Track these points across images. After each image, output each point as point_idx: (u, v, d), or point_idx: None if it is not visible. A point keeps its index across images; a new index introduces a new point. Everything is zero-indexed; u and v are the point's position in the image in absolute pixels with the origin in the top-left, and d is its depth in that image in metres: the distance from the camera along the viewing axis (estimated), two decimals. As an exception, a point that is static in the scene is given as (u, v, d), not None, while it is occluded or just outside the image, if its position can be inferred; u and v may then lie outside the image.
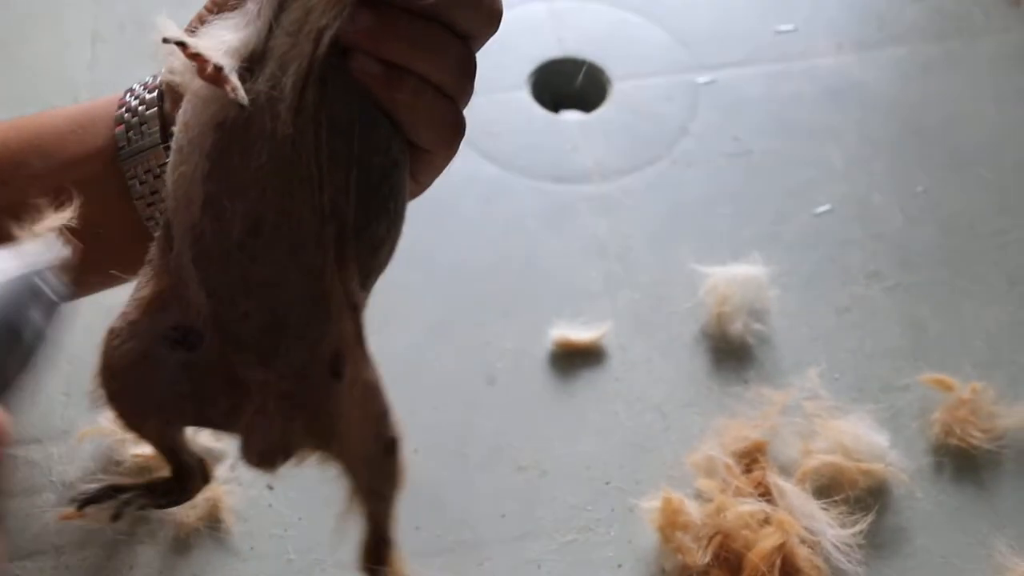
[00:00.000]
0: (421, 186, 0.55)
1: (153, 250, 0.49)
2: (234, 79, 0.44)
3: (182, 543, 0.65)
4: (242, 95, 0.44)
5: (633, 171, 0.85)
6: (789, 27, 0.95)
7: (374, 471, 0.49)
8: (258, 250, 0.46)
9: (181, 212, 0.47)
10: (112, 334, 0.48)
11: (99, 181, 0.57)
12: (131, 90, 0.58)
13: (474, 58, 0.51)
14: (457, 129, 0.51)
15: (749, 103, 0.90)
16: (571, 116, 0.89)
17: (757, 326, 0.76)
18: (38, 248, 0.43)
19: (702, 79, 0.91)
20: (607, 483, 0.70)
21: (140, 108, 0.57)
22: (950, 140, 0.88)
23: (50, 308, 0.43)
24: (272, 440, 0.49)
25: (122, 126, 0.57)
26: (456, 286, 0.78)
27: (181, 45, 0.44)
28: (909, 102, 0.90)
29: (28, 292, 0.42)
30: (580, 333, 0.75)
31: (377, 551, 0.50)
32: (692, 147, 0.87)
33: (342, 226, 0.46)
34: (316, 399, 0.48)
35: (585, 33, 0.93)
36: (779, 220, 0.83)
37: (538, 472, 0.70)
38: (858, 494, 0.69)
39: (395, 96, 0.48)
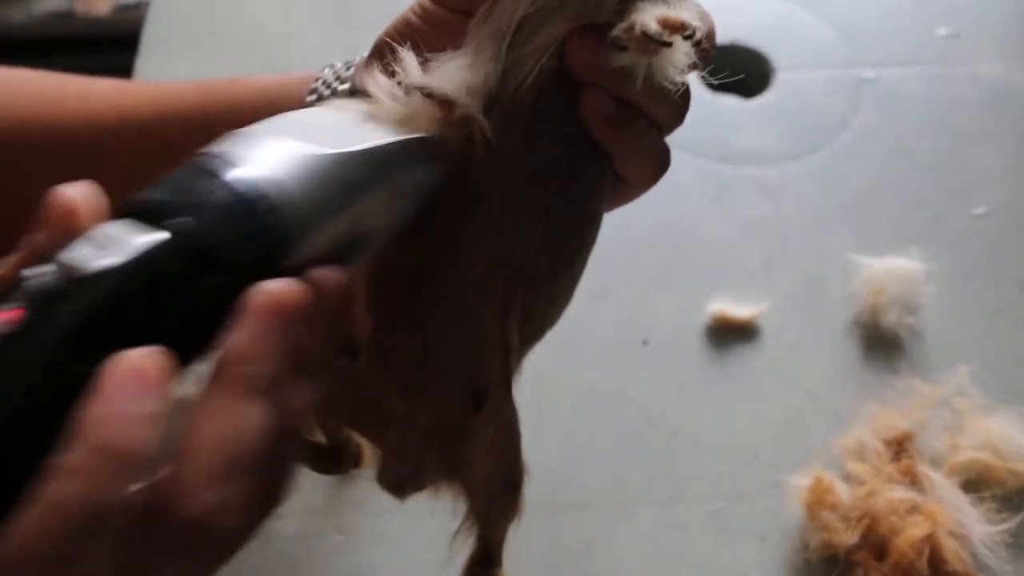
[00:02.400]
0: (611, 209, 0.52)
1: None
2: (482, 120, 0.41)
3: (350, 470, 0.64)
4: (489, 135, 0.41)
5: (794, 158, 0.82)
6: (952, 31, 0.90)
7: (494, 504, 0.47)
8: (424, 288, 0.43)
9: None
10: None
11: None
12: (322, 77, 0.54)
13: (691, 96, 0.46)
14: (665, 167, 0.48)
15: (910, 103, 0.86)
16: (733, 100, 0.86)
17: (910, 319, 0.73)
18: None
19: (864, 75, 0.87)
20: (755, 456, 0.67)
21: (330, 100, 0.54)
22: (1110, 156, 0.83)
23: (429, 174, 0.41)
24: (404, 474, 0.48)
25: None
26: (618, 253, 0.76)
27: (429, 95, 0.41)
28: (1071, 115, 0.85)
29: (415, 152, 0.40)
30: (738, 310, 0.72)
31: (482, 570, 0.48)
32: (853, 140, 0.83)
33: (516, 274, 0.43)
34: (452, 431, 0.45)
35: (752, 22, 0.90)
36: (936, 219, 0.79)
37: (689, 439, 0.67)
38: (1005, 493, 0.65)
39: (621, 137, 0.44)
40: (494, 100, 0.42)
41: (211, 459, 0.33)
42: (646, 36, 0.39)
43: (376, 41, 0.52)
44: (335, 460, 0.53)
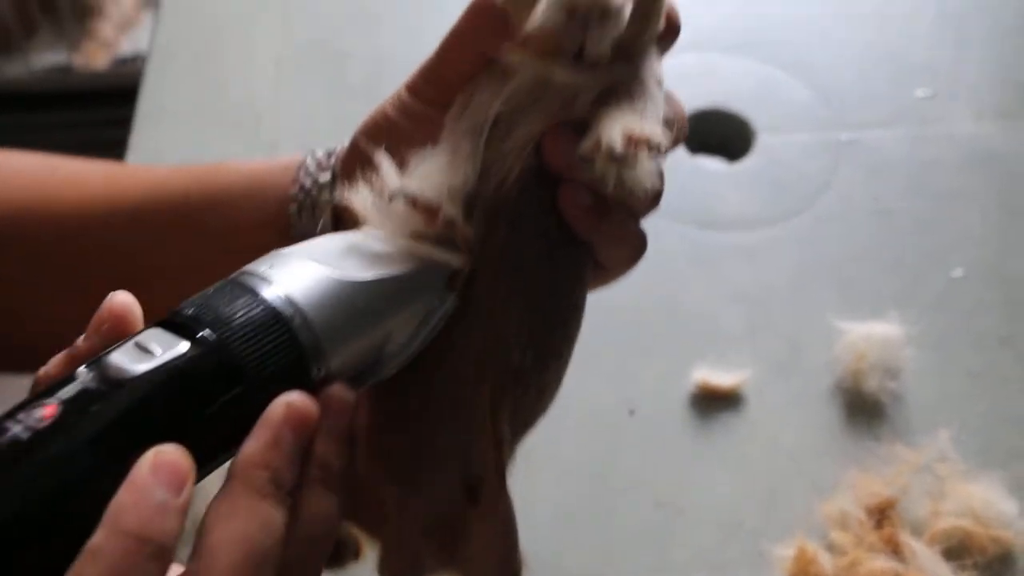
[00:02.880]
0: (589, 292, 0.53)
1: None
2: (466, 229, 0.42)
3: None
4: (471, 238, 0.42)
5: (776, 222, 0.83)
6: (929, 92, 0.92)
7: None
8: (415, 381, 0.44)
9: None
10: None
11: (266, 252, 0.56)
12: (304, 165, 0.56)
13: (663, 188, 0.47)
14: (642, 251, 0.49)
15: (889, 164, 0.87)
16: (715, 164, 0.87)
17: (891, 384, 0.73)
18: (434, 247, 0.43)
19: (844, 137, 0.88)
20: (740, 525, 0.67)
21: (313, 191, 0.55)
22: (1088, 215, 0.84)
23: (444, 301, 0.42)
24: (404, 565, 0.48)
25: (295, 204, 0.55)
26: (601, 321, 0.76)
27: (413, 202, 0.42)
28: (1049, 174, 0.86)
29: (438, 282, 0.42)
30: (721, 378, 0.72)
31: None
32: (833, 203, 0.84)
33: (504, 367, 0.44)
34: (450, 521, 0.46)
35: (733, 86, 0.91)
36: (916, 281, 0.79)
37: (675, 510, 0.68)
38: (987, 560, 0.65)
39: (599, 227, 0.45)
40: (474, 199, 0.43)
41: (229, 558, 0.35)
42: (611, 153, 0.40)
43: (353, 136, 0.52)
44: (334, 554, 0.53)
